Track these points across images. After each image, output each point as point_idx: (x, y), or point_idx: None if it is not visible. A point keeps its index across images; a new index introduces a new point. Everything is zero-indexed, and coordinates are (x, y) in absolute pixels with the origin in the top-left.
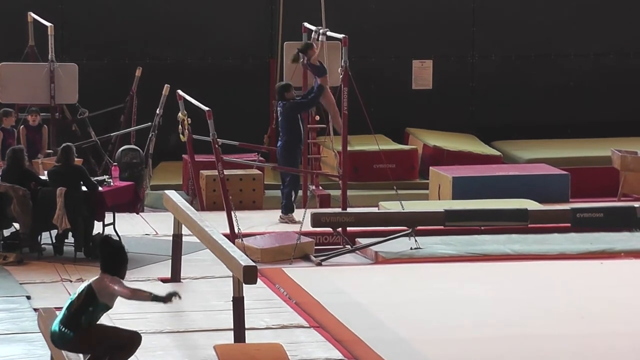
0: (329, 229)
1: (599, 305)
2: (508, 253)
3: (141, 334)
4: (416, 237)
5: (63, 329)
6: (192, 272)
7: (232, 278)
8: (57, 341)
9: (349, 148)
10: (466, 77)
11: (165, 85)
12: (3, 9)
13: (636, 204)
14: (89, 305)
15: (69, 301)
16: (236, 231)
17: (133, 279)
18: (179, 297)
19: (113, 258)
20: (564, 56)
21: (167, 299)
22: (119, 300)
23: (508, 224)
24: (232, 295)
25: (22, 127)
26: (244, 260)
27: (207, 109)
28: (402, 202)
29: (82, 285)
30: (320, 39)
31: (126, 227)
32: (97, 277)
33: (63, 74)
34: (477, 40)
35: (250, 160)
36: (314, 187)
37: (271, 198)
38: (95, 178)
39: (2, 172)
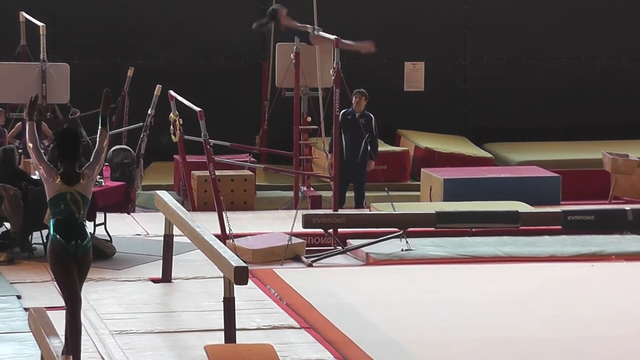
0: (320, 230)
1: (589, 307)
2: (499, 255)
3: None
4: (407, 239)
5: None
6: (183, 273)
7: (223, 279)
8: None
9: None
10: (458, 79)
11: (157, 85)
12: None
13: (627, 207)
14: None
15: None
16: (227, 232)
17: (124, 279)
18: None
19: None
20: (555, 59)
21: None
22: (109, 300)
23: (499, 226)
24: (222, 295)
25: (19, 123)
26: (235, 261)
27: (198, 109)
28: (393, 203)
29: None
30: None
31: (117, 227)
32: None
33: (55, 74)
34: (469, 42)
35: (242, 161)
36: (305, 188)
37: (262, 199)
38: None
39: None
